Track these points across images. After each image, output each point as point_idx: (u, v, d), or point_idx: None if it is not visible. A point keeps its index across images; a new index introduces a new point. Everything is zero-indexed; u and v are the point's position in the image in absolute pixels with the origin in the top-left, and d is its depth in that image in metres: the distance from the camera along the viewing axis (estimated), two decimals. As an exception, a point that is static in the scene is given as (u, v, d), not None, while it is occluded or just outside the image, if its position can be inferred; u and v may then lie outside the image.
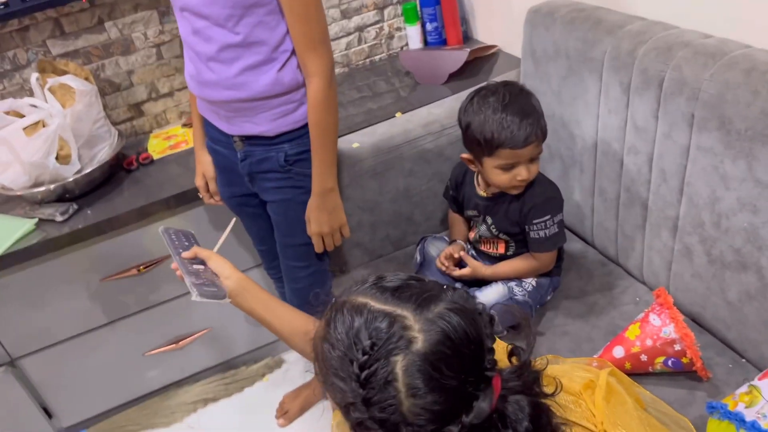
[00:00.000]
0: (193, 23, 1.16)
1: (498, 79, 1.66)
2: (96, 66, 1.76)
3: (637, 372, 1.13)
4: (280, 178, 1.28)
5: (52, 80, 1.57)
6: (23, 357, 1.64)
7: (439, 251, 1.42)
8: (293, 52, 1.18)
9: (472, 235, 1.42)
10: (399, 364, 0.58)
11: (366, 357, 0.59)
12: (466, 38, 2.01)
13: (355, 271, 1.65)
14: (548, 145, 1.36)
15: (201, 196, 1.49)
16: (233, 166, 1.33)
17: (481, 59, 1.85)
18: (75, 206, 1.56)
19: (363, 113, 1.77)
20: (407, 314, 0.61)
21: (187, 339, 1.77)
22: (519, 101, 1.19)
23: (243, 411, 1.81)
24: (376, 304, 0.62)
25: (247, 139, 1.26)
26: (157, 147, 1.80)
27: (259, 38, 1.14)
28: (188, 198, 1.58)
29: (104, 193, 1.63)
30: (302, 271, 1.39)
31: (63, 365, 1.69)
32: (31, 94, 1.64)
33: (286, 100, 1.20)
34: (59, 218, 1.52)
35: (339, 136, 1.60)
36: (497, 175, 1.23)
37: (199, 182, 1.46)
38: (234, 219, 1.15)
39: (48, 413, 1.74)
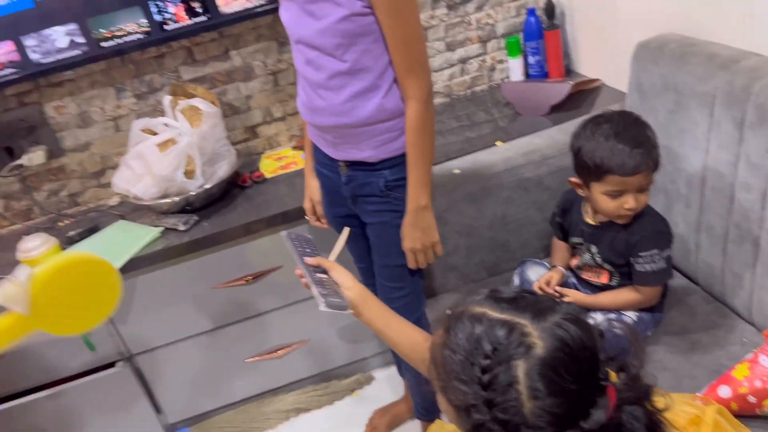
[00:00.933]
0: (306, 54, 1.24)
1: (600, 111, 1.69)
2: (220, 90, 1.92)
3: (744, 414, 1.09)
4: (380, 202, 1.33)
5: (183, 102, 1.73)
6: (140, 354, 1.78)
7: (539, 276, 1.44)
8: (396, 79, 1.23)
9: (574, 262, 1.42)
10: (520, 367, 0.62)
11: (488, 361, 0.62)
12: (568, 71, 2.03)
13: (448, 294, 1.69)
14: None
15: (308, 218, 1.56)
16: (338, 188, 1.39)
17: (584, 92, 1.86)
18: (195, 218, 1.70)
19: (461, 141, 1.83)
20: (525, 322, 0.64)
21: (286, 349, 1.86)
22: (632, 130, 1.21)
23: (332, 424, 1.87)
24: (493, 313, 0.66)
25: (351, 164, 1.32)
26: (268, 167, 1.93)
27: (365, 65, 1.20)
28: (294, 216, 1.67)
29: (220, 207, 1.76)
30: (397, 292, 1.43)
31: (173, 365, 1.82)
32: (164, 114, 1.81)
33: (389, 128, 1.26)
34: (182, 228, 1.66)
35: (439, 162, 1.68)
36: (605, 201, 1.24)
37: (306, 205, 1.53)
38: (348, 230, 1.20)
39: (157, 408, 1.87)
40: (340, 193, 1.40)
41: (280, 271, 1.75)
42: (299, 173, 1.79)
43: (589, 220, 1.35)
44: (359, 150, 1.29)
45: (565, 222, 1.45)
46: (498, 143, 1.73)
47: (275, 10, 1.28)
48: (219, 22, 1.75)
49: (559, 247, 1.49)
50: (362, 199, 1.36)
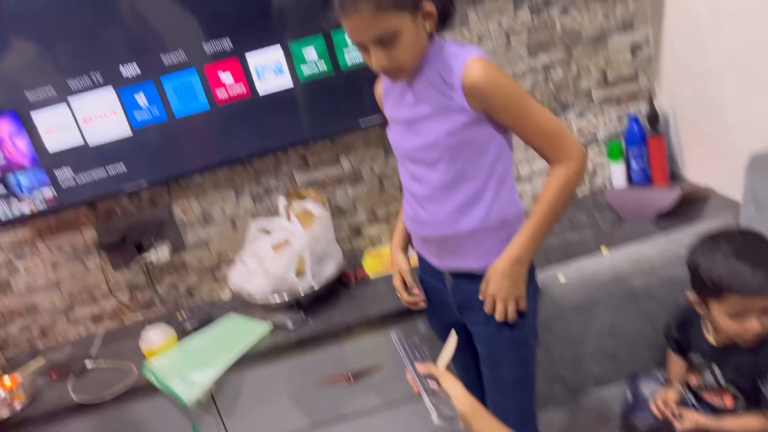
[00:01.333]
0: (410, 169, 1.29)
1: (713, 222, 1.65)
2: (329, 193, 2.04)
3: None
4: (486, 315, 1.31)
5: (297, 205, 1.85)
6: (242, 447, 1.82)
7: (653, 392, 1.38)
8: (500, 188, 1.25)
9: (693, 380, 1.36)
10: None
11: None
12: (674, 177, 2.01)
13: (555, 407, 1.64)
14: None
15: (399, 294, 1.50)
16: (444, 297, 1.40)
17: (693, 199, 1.83)
18: (303, 316, 1.77)
19: (562, 244, 1.83)
20: None
21: (383, 451, 1.85)
22: (755, 249, 1.17)
23: None
24: None
25: (457, 274, 1.33)
26: (371, 265, 1.99)
27: (469, 176, 1.23)
28: (396, 317, 1.71)
29: (326, 305, 1.82)
30: (508, 405, 1.39)
31: (273, 460, 1.84)
32: (278, 214, 1.94)
33: (494, 238, 1.26)
34: (290, 326, 1.73)
35: (541, 267, 1.68)
36: (726, 322, 1.19)
37: (396, 282, 1.49)
38: (455, 337, 1.20)
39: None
40: (446, 302, 1.41)
41: (381, 372, 1.76)
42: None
43: (711, 340, 1.30)
44: (464, 260, 1.30)
45: (683, 338, 1.39)
46: (604, 250, 1.72)
47: (385, 124, 1.37)
48: (332, 131, 1.88)
49: (676, 362, 1.43)
50: (469, 309, 1.36)
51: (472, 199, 1.24)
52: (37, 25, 1.68)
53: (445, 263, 1.34)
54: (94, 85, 1.74)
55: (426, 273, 1.45)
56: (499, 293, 1.27)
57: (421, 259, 1.44)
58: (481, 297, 1.29)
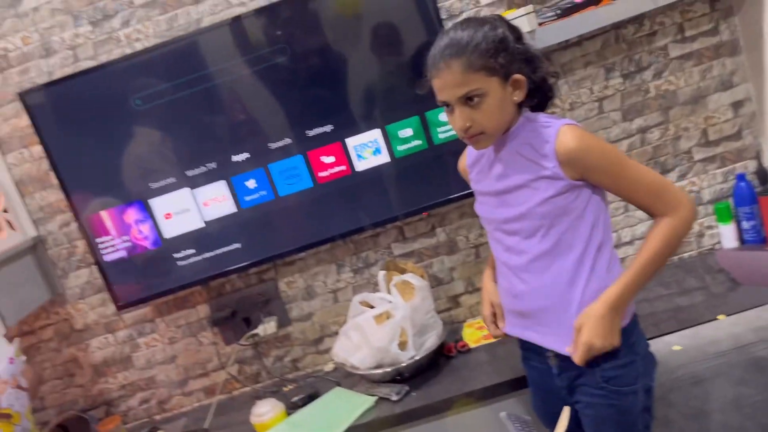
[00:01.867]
0: (504, 241, 1.28)
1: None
2: (426, 264, 2.07)
3: None
4: (596, 395, 1.26)
5: (397, 278, 1.89)
6: None
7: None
8: (599, 255, 1.21)
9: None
10: None
11: None
12: (791, 236, 1.90)
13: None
14: None
15: (487, 327, 1.47)
16: (549, 380, 1.35)
17: (816, 259, 1.72)
18: (406, 388, 1.77)
19: (673, 310, 1.75)
20: None
21: None
22: None
23: None
24: None
25: (559, 354, 1.28)
26: (471, 336, 1.98)
27: (568, 244, 1.21)
28: (500, 391, 1.68)
29: (428, 377, 1.82)
30: None
31: None
32: (376, 286, 1.98)
33: None
34: (394, 398, 1.74)
35: (653, 337, 1.61)
36: None
37: (486, 312, 1.46)
38: (568, 410, 1.16)
39: None
40: (551, 388, 1.35)
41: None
42: (500, 342, 1.82)
43: None
44: (567, 338, 1.24)
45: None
46: (721, 317, 1.63)
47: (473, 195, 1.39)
48: (429, 205, 1.93)
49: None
50: (578, 390, 1.30)
51: (571, 268, 1.22)
52: (160, 122, 1.87)
53: (547, 341, 1.29)
54: (210, 174, 1.90)
55: (528, 357, 1.40)
56: (593, 340, 1.19)
57: (522, 342, 1.39)
58: (569, 350, 1.23)
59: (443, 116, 1.75)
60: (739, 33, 1.89)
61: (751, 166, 1.96)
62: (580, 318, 1.21)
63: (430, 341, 1.85)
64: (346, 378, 1.96)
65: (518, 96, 1.20)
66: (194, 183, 1.91)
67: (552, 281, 1.23)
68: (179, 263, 1.94)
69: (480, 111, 1.17)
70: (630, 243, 2.04)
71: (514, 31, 1.21)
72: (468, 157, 1.38)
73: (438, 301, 2.10)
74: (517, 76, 1.18)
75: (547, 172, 1.18)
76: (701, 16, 1.88)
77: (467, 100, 1.17)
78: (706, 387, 1.50)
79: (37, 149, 1.97)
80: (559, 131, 1.17)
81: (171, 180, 1.90)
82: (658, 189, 1.18)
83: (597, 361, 1.23)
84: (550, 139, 1.18)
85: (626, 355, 1.23)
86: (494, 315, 1.45)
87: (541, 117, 1.23)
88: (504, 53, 1.16)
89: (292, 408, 1.85)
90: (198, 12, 1.91)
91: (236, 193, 1.91)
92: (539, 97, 1.27)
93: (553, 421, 1.42)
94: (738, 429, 1.52)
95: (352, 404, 1.77)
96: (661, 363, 1.52)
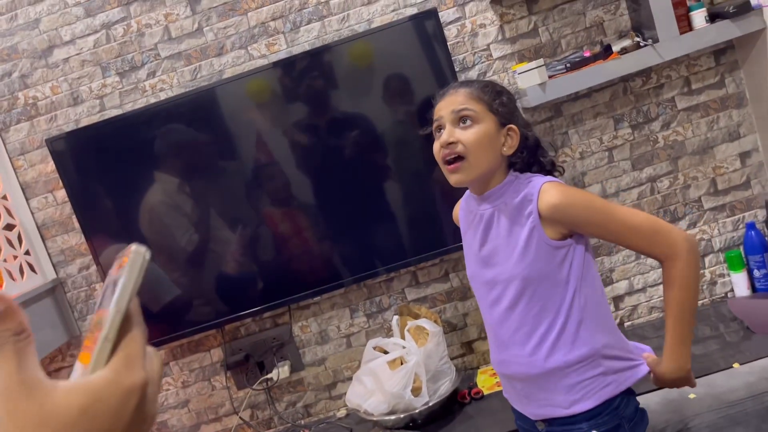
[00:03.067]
0: (489, 301, 1.25)
1: None
2: (439, 309, 2.08)
3: None
4: None
5: (411, 323, 1.90)
6: None
7: None
8: (584, 317, 1.19)
9: None
10: None
11: None
12: (804, 284, 1.91)
13: None
14: None
15: None
16: None
17: (829, 308, 1.72)
18: (420, 434, 1.77)
19: (688, 359, 1.75)
20: None
21: None
22: None
23: None
24: None
25: (548, 421, 1.26)
26: (485, 382, 1.97)
27: (549, 310, 1.18)
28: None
29: (442, 425, 1.81)
30: None
31: None
32: (389, 331, 2.00)
33: (577, 376, 1.20)
34: (409, 445, 1.74)
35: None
36: None
37: None
38: None
39: None
40: None
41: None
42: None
43: None
44: (552, 404, 1.23)
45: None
46: (735, 365, 1.63)
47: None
48: (442, 251, 1.96)
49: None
50: None
51: (555, 333, 1.19)
52: (178, 171, 1.94)
53: (533, 409, 1.28)
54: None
55: (520, 419, 1.38)
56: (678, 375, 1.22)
57: (515, 413, 1.38)
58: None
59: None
60: (745, 86, 1.94)
61: (760, 215, 1.98)
62: (663, 383, 1.25)
63: (444, 387, 1.85)
64: (359, 424, 1.95)
65: (508, 147, 1.21)
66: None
67: (535, 345, 1.20)
68: (195, 307, 1.97)
69: (468, 133, 1.17)
70: (642, 290, 2.05)
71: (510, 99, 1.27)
72: (461, 210, 1.37)
73: (451, 347, 2.10)
74: (513, 126, 1.21)
75: (529, 232, 1.17)
76: (707, 70, 1.94)
77: (460, 120, 1.19)
78: (723, 436, 1.49)
79: (61, 194, 2.02)
80: (542, 189, 1.16)
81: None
82: (648, 231, 1.16)
83: (578, 421, 1.21)
84: (533, 198, 1.17)
85: (611, 420, 1.20)
86: None
87: (527, 175, 1.23)
88: (508, 105, 1.22)
89: (305, 454, 1.85)
90: (221, 63, 1.99)
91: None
92: (536, 164, 1.27)
93: None
94: (757, 481, 1.50)
95: (366, 451, 1.77)
96: (677, 411, 1.52)
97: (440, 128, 1.22)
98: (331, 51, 1.88)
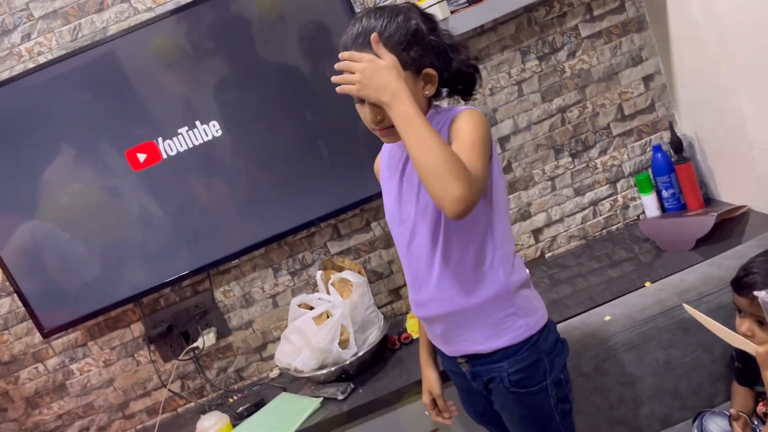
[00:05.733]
0: (407, 240, 1.23)
1: (754, 240, 1.61)
2: (364, 260, 2.06)
3: None
4: (507, 397, 1.27)
5: (334, 276, 1.87)
6: None
7: (721, 429, 1.32)
8: (498, 253, 1.19)
9: (762, 408, 1.30)
10: None
11: None
12: (708, 200, 1.98)
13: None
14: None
15: (428, 413, 1.46)
16: (469, 386, 1.34)
17: (731, 220, 1.80)
18: (351, 385, 1.76)
19: (605, 282, 1.80)
20: None
21: None
22: None
23: None
24: None
25: (469, 358, 1.28)
26: (414, 326, 1.98)
27: (466, 242, 1.18)
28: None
29: (374, 372, 1.81)
30: None
31: None
32: (315, 287, 1.96)
33: (499, 309, 1.21)
34: (340, 397, 1.73)
35: (586, 310, 1.66)
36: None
37: (425, 399, 1.45)
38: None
39: None
40: (473, 391, 1.36)
41: (439, 435, 1.73)
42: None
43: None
44: (471, 339, 1.24)
45: (746, 367, 1.34)
46: (647, 284, 1.68)
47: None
48: (362, 200, 1.92)
49: (740, 392, 1.38)
50: (492, 392, 1.30)
51: (472, 268, 1.19)
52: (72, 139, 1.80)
53: (453, 348, 1.28)
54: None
55: (446, 364, 1.39)
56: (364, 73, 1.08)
57: (439, 351, 1.38)
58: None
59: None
60: (644, 9, 1.95)
61: (665, 136, 2.03)
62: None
63: (373, 336, 1.84)
64: (292, 382, 1.93)
65: (429, 90, 1.17)
66: (115, 198, 1.84)
67: (454, 283, 1.20)
68: (108, 282, 1.87)
69: None
70: (560, 221, 2.09)
71: (429, 21, 1.17)
72: (382, 158, 1.34)
73: (379, 295, 2.10)
74: (429, 70, 1.15)
75: None
76: (607, -5, 1.94)
77: None
78: (638, 353, 1.55)
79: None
80: (458, 114, 1.15)
81: (90, 197, 1.82)
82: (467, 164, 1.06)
83: (498, 360, 1.23)
84: (447, 124, 1.15)
85: (530, 356, 1.23)
86: (434, 402, 1.43)
87: (448, 108, 1.20)
88: (417, 47, 1.12)
89: (238, 419, 1.81)
90: (102, 20, 1.84)
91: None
92: (460, 87, 1.24)
93: (484, 420, 1.44)
94: (671, 390, 1.57)
95: (299, 408, 1.75)
96: (594, 334, 1.56)
97: (362, 100, 1.14)
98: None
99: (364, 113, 1.17)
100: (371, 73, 1.07)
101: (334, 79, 1.11)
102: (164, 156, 1.81)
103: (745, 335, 1.21)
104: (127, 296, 1.88)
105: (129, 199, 1.85)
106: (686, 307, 1.19)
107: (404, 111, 1.06)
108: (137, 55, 1.76)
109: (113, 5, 1.83)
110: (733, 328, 1.25)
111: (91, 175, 1.82)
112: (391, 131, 1.15)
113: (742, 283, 1.21)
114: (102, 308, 1.88)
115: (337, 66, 1.10)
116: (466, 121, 1.13)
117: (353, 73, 1.08)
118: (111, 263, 1.87)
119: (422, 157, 1.04)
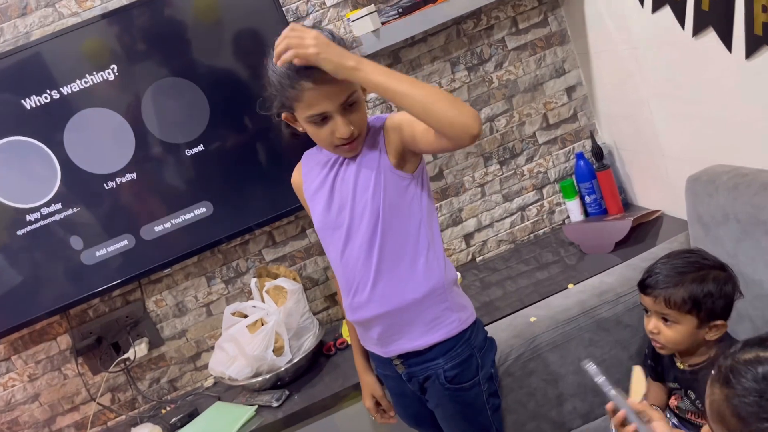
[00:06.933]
0: (340, 246, 1.25)
1: (666, 243, 1.72)
2: (299, 266, 2.07)
3: None
4: (442, 395, 1.30)
5: (269, 283, 1.87)
6: None
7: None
8: (430, 252, 1.23)
9: (674, 402, 1.39)
10: None
11: None
12: (627, 205, 2.09)
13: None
14: (736, 307, 1.35)
15: (373, 417, 1.49)
16: (403, 388, 1.37)
17: (646, 224, 1.91)
18: (287, 392, 1.77)
19: (533, 284, 1.88)
20: None
21: None
22: (678, 258, 1.29)
23: None
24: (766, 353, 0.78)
25: (405, 358, 1.30)
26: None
27: (400, 243, 1.20)
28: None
29: (309, 378, 1.83)
30: None
31: None
32: (250, 295, 1.96)
33: (434, 305, 1.24)
34: (275, 404, 1.73)
35: (514, 311, 1.72)
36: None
37: (368, 404, 1.48)
38: (639, 369, 1.24)
39: None
40: (407, 395, 1.38)
41: (373, 438, 1.76)
42: (380, 336, 1.85)
43: (681, 365, 1.34)
44: (408, 337, 1.26)
45: (657, 365, 1.43)
46: (570, 286, 1.77)
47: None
48: (296, 208, 1.93)
49: (653, 387, 1.46)
50: (427, 392, 1.33)
51: (409, 266, 1.22)
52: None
53: (389, 349, 1.30)
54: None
55: (380, 368, 1.42)
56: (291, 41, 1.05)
57: (372, 355, 1.40)
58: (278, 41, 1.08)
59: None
60: (566, 23, 2.05)
61: (587, 144, 2.14)
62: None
63: (308, 342, 1.85)
64: (227, 391, 1.92)
65: (366, 95, 1.23)
66: (39, 207, 1.78)
67: (384, 285, 1.23)
68: (31, 293, 1.81)
69: (358, 114, 1.16)
70: (490, 225, 2.16)
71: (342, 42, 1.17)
72: (304, 167, 1.35)
73: (315, 301, 2.11)
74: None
75: (376, 164, 1.19)
76: (531, 10, 2.02)
77: (347, 107, 1.13)
78: (561, 352, 1.62)
79: None
80: (387, 118, 1.21)
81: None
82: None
83: (433, 357, 1.27)
84: (380, 129, 1.21)
85: (463, 352, 1.27)
86: (378, 404, 1.47)
87: (375, 116, 1.26)
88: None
89: (171, 430, 1.79)
90: (26, 25, 1.78)
91: (88, 213, 1.81)
92: None
93: (417, 422, 1.47)
94: (593, 388, 1.64)
95: (233, 416, 1.74)
96: (520, 335, 1.62)
97: (326, 118, 1.14)
98: (153, 4, 1.74)
99: (336, 129, 1.14)
100: (326, 41, 1.05)
101: (286, 43, 1.05)
102: (92, 164, 1.77)
103: (651, 332, 1.30)
104: (52, 308, 1.83)
105: (53, 207, 1.79)
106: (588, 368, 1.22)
107: (377, 67, 1.05)
108: (63, 59, 1.72)
109: (37, 9, 1.78)
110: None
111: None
112: (354, 146, 1.18)
113: (645, 284, 1.29)
114: (26, 321, 1.82)
115: (282, 36, 1.06)
116: (398, 114, 1.19)
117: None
118: (34, 273, 1.81)
119: (422, 91, 1.03)
